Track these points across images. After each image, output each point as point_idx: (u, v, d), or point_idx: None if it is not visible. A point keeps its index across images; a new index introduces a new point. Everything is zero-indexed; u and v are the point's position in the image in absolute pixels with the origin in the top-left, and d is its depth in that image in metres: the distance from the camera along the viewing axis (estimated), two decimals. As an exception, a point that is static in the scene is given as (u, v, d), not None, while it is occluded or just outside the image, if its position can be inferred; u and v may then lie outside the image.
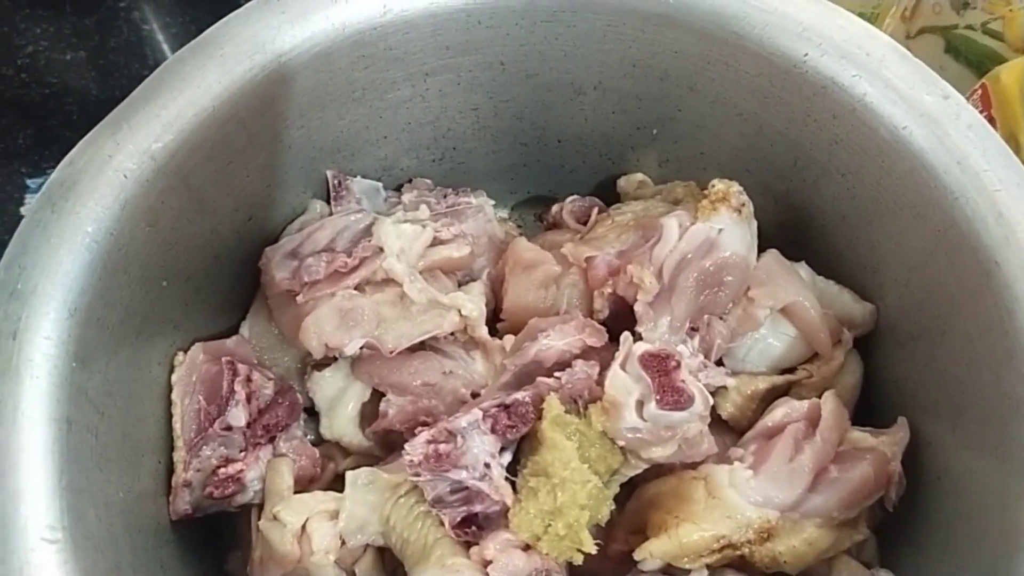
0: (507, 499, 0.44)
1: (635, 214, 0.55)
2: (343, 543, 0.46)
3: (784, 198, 0.54)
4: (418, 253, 0.52)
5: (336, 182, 0.55)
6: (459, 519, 0.44)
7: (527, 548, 0.44)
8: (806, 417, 0.47)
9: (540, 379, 0.47)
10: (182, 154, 0.44)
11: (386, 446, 0.52)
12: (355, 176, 0.56)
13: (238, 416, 0.47)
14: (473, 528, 0.44)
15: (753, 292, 0.50)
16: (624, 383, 0.44)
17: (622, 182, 0.61)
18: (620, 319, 0.50)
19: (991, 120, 0.56)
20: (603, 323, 0.51)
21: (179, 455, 0.46)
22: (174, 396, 0.47)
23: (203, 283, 0.49)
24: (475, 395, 0.50)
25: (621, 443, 0.45)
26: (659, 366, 0.44)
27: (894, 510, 0.47)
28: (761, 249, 0.52)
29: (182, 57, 0.45)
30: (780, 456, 0.45)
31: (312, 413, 0.52)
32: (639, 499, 0.48)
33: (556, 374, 0.47)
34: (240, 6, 0.46)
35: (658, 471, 0.47)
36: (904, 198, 0.46)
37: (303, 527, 0.45)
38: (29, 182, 0.71)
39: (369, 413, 0.51)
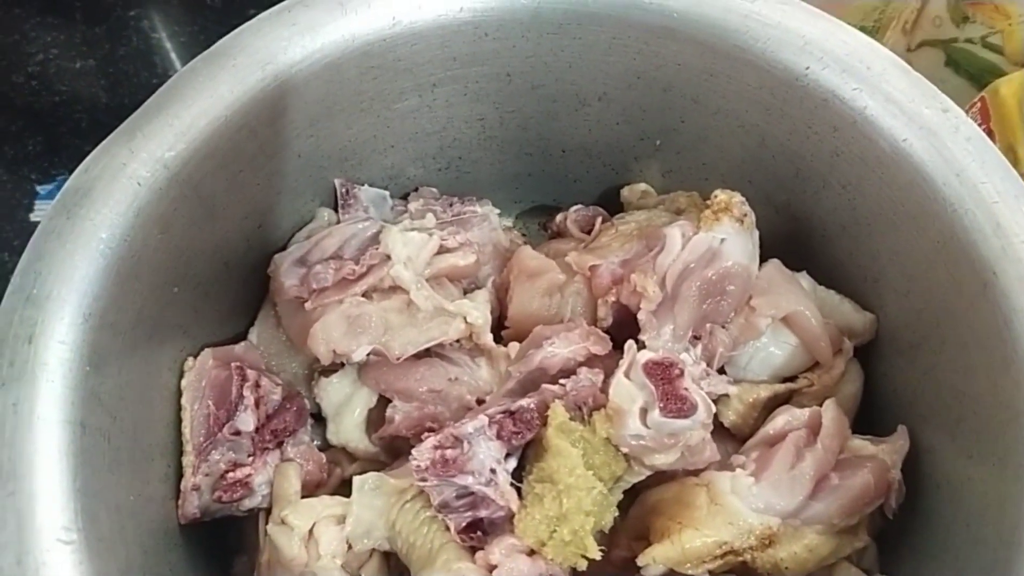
0: (512, 504, 0.45)
1: (638, 223, 0.56)
2: (350, 547, 0.46)
3: (786, 209, 0.55)
4: (425, 261, 0.52)
5: (344, 190, 0.56)
6: (465, 524, 0.45)
7: (532, 553, 0.44)
8: (807, 425, 0.48)
9: (545, 386, 0.48)
10: (194, 163, 0.44)
11: (392, 452, 0.52)
12: (362, 185, 0.57)
13: (247, 421, 0.47)
14: (478, 533, 0.45)
15: (755, 301, 0.51)
16: (628, 391, 0.45)
17: (625, 192, 0.61)
18: (624, 327, 0.51)
19: (990, 133, 0.57)
20: (607, 331, 0.51)
21: (188, 459, 0.47)
22: (184, 401, 0.47)
23: (213, 289, 0.50)
24: (480, 402, 0.51)
25: (625, 450, 0.46)
26: (663, 374, 0.45)
27: (894, 517, 0.48)
28: (763, 259, 0.52)
29: (195, 67, 0.46)
30: (781, 463, 0.46)
31: (319, 419, 0.53)
32: (642, 505, 0.48)
33: (561, 381, 0.48)
34: (248, 15, 0.47)
35: (661, 478, 0.48)
36: (904, 209, 0.47)
37: (310, 531, 0.46)
38: (39, 188, 0.71)
39: (375, 419, 0.52)
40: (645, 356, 0.46)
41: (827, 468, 0.46)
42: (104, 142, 0.43)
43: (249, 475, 0.48)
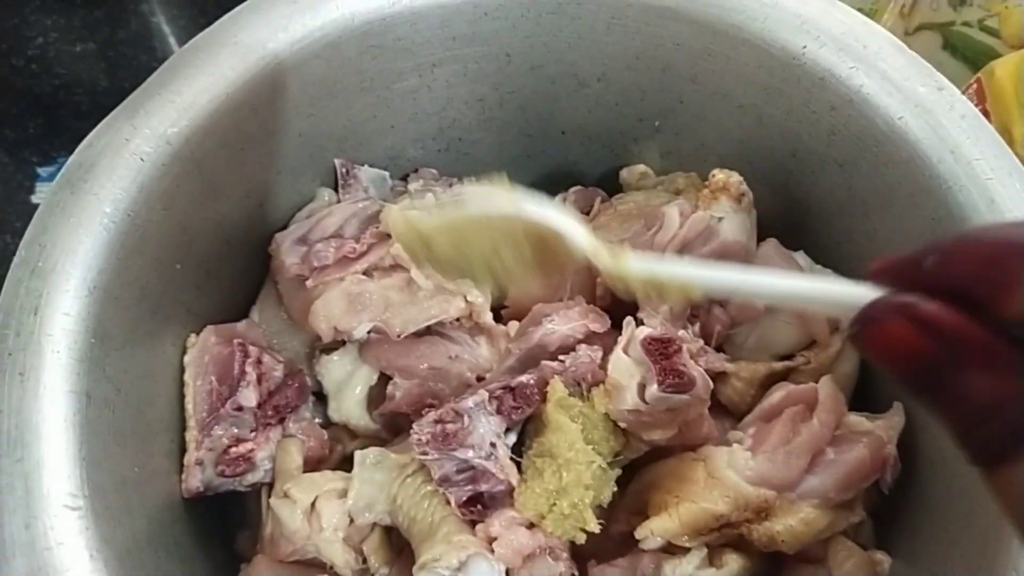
0: (512, 478, 0.45)
1: (637, 203, 0.56)
2: (351, 521, 0.47)
3: (783, 188, 0.55)
4: (425, 240, 0.52)
5: (344, 170, 0.56)
6: (465, 498, 0.45)
7: (531, 526, 0.45)
8: (804, 401, 0.48)
9: (544, 363, 0.48)
10: (196, 139, 0.45)
11: (392, 429, 0.53)
12: (362, 165, 0.57)
13: (249, 397, 0.48)
14: (479, 507, 0.45)
15: (752, 280, 0.51)
16: (627, 366, 0.46)
17: (624, 173, 0.62)
18: (622, 306, 0.51)
19: (986, 114, 0.58)
20: (606, 309, 0.52)
21: (191, 434, 0.47)
22: (186, 377, 0.48)
23: (214, 267, 0.50)
24: (480, 379, 0.51)
25: (623, 425, 0.46)
26: (661, 350, 0.45)
27: (890, 493, 0.48)
28: (760, 238, 0.53)
29: (196, 46, 0.46)
30: (778, 438, 0.46)
31: (320, 397, 0.53)
32: (640, 481, 0.49)
33: (560, 358, 0.48)
34: (245, -2, 0.48)
35: (659, 453, 0.49)
36: (900, 187, 0.47)
37: (312, 505, 0.46)
38: (40, 170, 0.72)
39: (376, 396, 0.52)
40: (644, 332, 0.46)
41: (823, 443, 0.46)
42: (107, 118, 0.43)
43: (252, 450, 0.48)
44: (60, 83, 0.77)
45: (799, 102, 0.50)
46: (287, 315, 0.54)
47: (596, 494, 0.45)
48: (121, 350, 0.42)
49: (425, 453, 0.44)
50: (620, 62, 0.54)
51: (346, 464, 0.49)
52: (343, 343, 0.52)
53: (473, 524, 0.45)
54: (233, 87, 0.46)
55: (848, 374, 0.53)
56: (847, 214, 0.52)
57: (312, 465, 0.50)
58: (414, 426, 0.45)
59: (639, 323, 0.49)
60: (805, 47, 0.48)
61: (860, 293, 0.27)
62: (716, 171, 0.52)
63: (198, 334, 0.49)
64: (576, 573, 0.45)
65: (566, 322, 0.50)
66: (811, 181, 0.53)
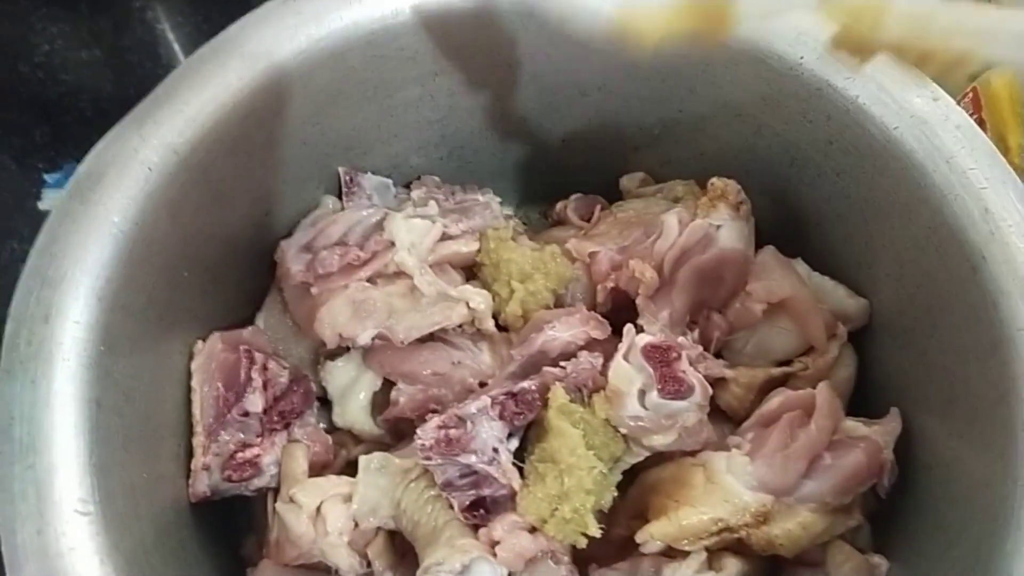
0: (514, 483, 0.46)
1: (636, 211, 0.57)
2: (356, 525, 0.47)
3: (781, 197, 0.56)
4: (428, 247, 0.53)
5: (348, 178, 0.57)
6: (468, 503, 0.46)
7: (533, 531, 0.45)
8: (801, 406, 0.49)
9: (546, 369, 0.49)
10: (203, 148, 0.45)
11: (396, 434, 0.53)
12: (366, 173, 0.58)
13: (255, 402, 0.48)
14: (481, 511, 0.46)
15: (751, 286, 0.52)
16: (627, 373, 0.46)
17: (624, 181, 0.62)
18: (622, 313, 0.52)
19: (981, 123, 0.58)
20: (606, 316, 0.52)
21: (198, 440, 0.48)
22: (193, 383, 0.48)
23: (221, 274, 0.51)
24: (483, 385, 0.52)
25: (623, 431, 0.47)
26: (661, 357, 0.46)
27: (887, 498, 0.49)
28: (758, 246, 0.54)
29: (202, 56, 0.47)
30: (776, 443, 0.47)
31: (325, 403, 0.54)
32: (640, 485, 0.50)
33: (561, 364, 0.49)
34: (251, 5, 0.48)
35: (659, 459, 0.49)
36: (896, 196, 0.48)
37: (318, 509, 0.47)
38: (46, 177, 0.72)
39: (380, 402, 0.53)
40: (644, 339, 0.47)
41: (820, 448, 0.47)
42: (115, 128, 0.44)
43: (258, 455, 0.49)
44: (66, 90, 0.77)
45: (796, 112, 0.51)
46: (292, 322, 0.54)
47: (597, 499, 0.46)
48: (129, 357, 0.42)
49: (429, 458, 0.45)
50: (620, 72, 0.55)
51: (350, 469, 0.49)
52: (347, 349, 0.53)
53: (476, 528, 0.46)
54: (239, 97, 0.46)
55: (845, 380, 0.53)
56: (844, 222, 0.53)
57: (317, 470, 0.51)
58: (418, 431, 0.45)
59: (639, 330, 0.49)
60: (802, 58, 0.49)
61: None
62: (715, 179, 0.53)
63: (205, 340, 0.50)
64: (577, 576, 0.46)
65: (567, 329, 0.50)
66: (808, 190, 0.54)
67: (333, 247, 0.53)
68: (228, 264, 0.51)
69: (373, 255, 0.52)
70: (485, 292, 0.53)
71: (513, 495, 0.46)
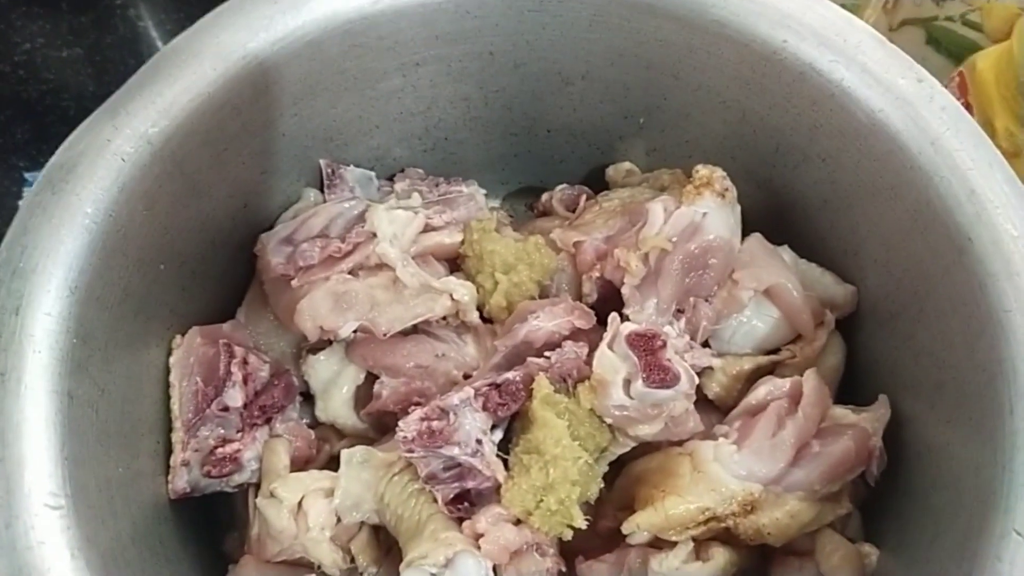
0: (499, 475, 0.45)
1: (622, 200, 0.56)
2: (338, 520, 0.46)
3: (767, 184, 0.55)
4: (410, 239, 0.53)
5: (329, 171, 0.56)
6: (452, 496, 0.45)
7: (518, 523, 0.45)
8: (789, 394, 0.48)
9: (530, 359, 0.48)
10: (177, 139, 0.45)
11: (380, 428, 0.53)
12: (348, 165, 0.57)
13: (235, 397, 0.48)
14: (465, 504, 0.45)
15: (737, 274, 0.51)
16: (611, 362, 0.46)
17: (610, 171, 0.62)
18: (608, 302, 0.52)
19: (968, 107, 0.58)
20: (592, 307, 0.52)
21: (177, 435, 0.47)
22: (172, 378, 0.48)
23: (199, 268, 0.50)
24: (467, 377, 0.51)
25: (609, 421, 0.46)
26: (645, 345, 0.46)
27: (876, 485, 0.48)
28: (745, 233, 0.53)
29: (177, 46, 0.46)
30: (763, 431, 0.46)
31: (308, 397, 0.53)
32: (627, 476, 0.49)
33: (546, 354, 0.48)
34: (234, 1, 0.48)
35: (645, 449, 0.49)
36: (882, 180, 0.47)
37: (299, 504, 0.46)
38: (27, 175, 0.72)
39: (363, 396, 0.52)
40: (628, 328, 0.46)
41: (808, 436, 0.47)
42: (88, 119, 0.43)
43: (238, 450, 0.48)
44: (47, 88, 0.77)
45: (780, 97, 0.50)
46: (273, 315, 0.54)
47: (583, 490, 0.45)
48: (104, 351, 0.42)
49: (411, 451, 0.44)
50: (603, 59, 0.54)
51: (333, 464, 0.49)
52: (329, 343, 0.52)
53: (460, 521, 0.45)
54: (214, 87, 0.46)
55: (833, 367, 0.53)
56: (830, 208, 0.52)
57: (299, 465, 0.50)
58: (400, 424, 0.45)
59: (624, 319, 0.49)
60: (785, 41, 0.48)
61: None
62: (699, 167, 0.52)
63: (183, 335, 0.49)
64: (563, 569, 0.45)
65: (551, 319, 0.50)
66: (794, 176, 0.53)
67: (314, 239, 0.52)
68: (207, 258, 0.51)
69: (354, 247, 0.51)
70: (469, 284, 0.52)
71: (497, 487, 0.45)
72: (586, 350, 0.48)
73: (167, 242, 0.47)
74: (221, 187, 0.50)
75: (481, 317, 0.53)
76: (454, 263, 0.56)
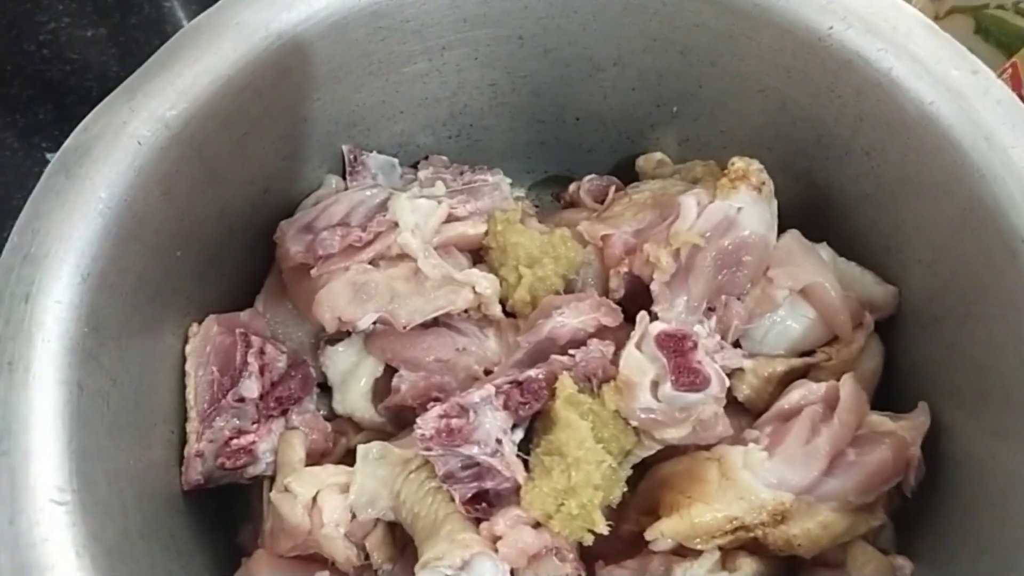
0: (518, 476, 0.44)
1: (652, 192, 0.54)
2: (353, 516, 0.45)
3: (806, 177, 0.53)
4: (433, 229, 0.51)
5: (352, 157, 0.55)
6: (470, 495, 0.44)
7: (537, 526, 0.44)
8: (824, 400, 0.47)
9: (554, 357, 0.47)
10: (196, 122, 0.44)
11: (398, 422, 0.51)
12: (371, 152, 0.56)
13: (251, 388, 0.47)
14: (484, 505, 0.44)
15: (772, 272, 0.50)
16: (639, 363, 0.44)
17: (641, 161, 0.60)
18: (636, 299, 0.50)
19: (1022, 100, 0.55)
20: (619, 303, 0.50)
21: (192, 426, 0.46)
22: (187, 367, 0.47)
23: (217, 255, 0.49)
24: (488, 372, 0.50)
25: (634, 423, 0.45)
26: (675, 346, 0.44)
27: (913, 496, 0.46)
28: (781, 229, 0.51)
29: (197, 25, 0.45)
30: (796, 438, 0.45)
31: (325, 389, 0.52)
32: (652, 480, 0.48)
33: (570, 352, 0.47)
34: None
35: (671, 452, 0.47)
36: (930, 176, 0.45)
37: (314, 499, 0.45)
38: (49, 156, 0.71)
39: (382, 389, 0.51)
40: (658, 328, 0.45)
41: (843, 444, 0.45)
42: (105, 100, 0.42)
43: (253, 442, 0.47)
44: (71, 68, 0.76)
45: (824, 86, 0.48)
46: (292, 305, 0.52)
47: (606, 494, 0.44)
48: (117, 339, 0.41)
49: (429, 449, 0.43)
50: (637, 45, 0.52)
51: (350, 457, 0.47)
52: (348, 334, 0.51)
53: (478, 522, 0.44)
54: (235, 69, 0.45)
55: (871, 372, 0.51)
56: (873, 204, 0.50)
57: (315, 458, 0.49)
58: (418, 421, 0.44)
59: (653, 317, 0.47)
60: (831, 28, 0.46)
61: None
62: (735, 159, 0.50)
63: (200, 323, 0.48)
64: (583, 574, 0.44)
65: (577, 315, 0.48)
66: (835, 169, 0.51)
67: (334, 228, 0.51)
68: (225, 245, 0.50)
69: (375, 236, 0.50)
70: (492, 276, 0.51)
71: (517, 489, 0.44)
72: (612, 349, 0.47)
73: (184, 228, 0.46)
74: (241, 172, 0.48)
75: (504, 311, 0.52)
76: (477, 255, 0.54)
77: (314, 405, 0.51)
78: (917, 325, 0.50)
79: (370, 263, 0.50)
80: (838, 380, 0.48)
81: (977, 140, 0.42)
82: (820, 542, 0.44)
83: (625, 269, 0.51)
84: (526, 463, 0.45)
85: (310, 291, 0.49)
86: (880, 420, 0.46)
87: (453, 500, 0.44)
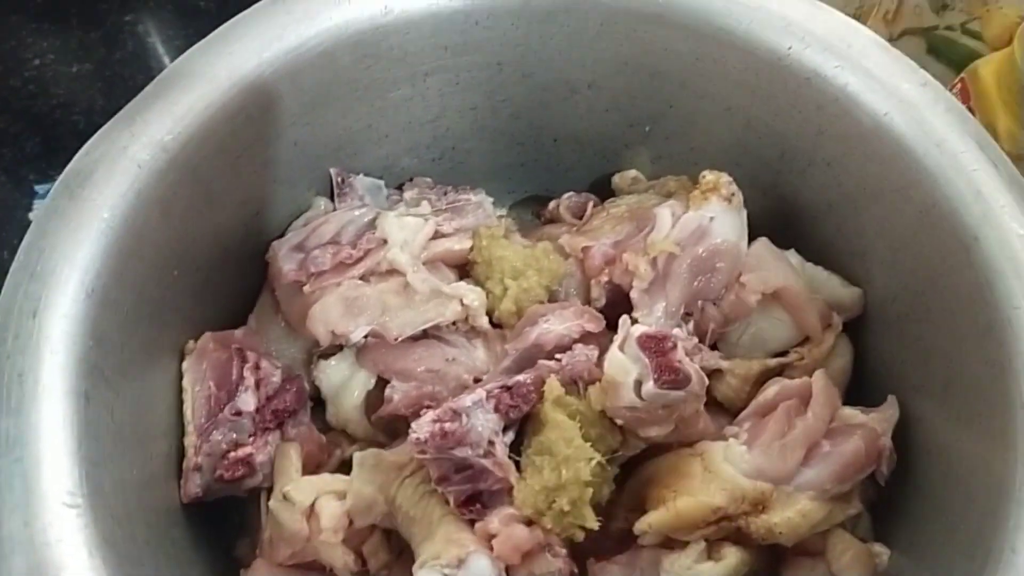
0: (511, 476, 0.45)
1: (629, 206, 0.57)
2: (351, 523, 0.46)
3: (772, 189, 0.56)
4: (421, 245, 0.53)
5: (340, 179, 0.57)
6: (464, 497, 0.45)
7: (530, 523, 0.45)
8: (798, 395, 0.49)
9: (541, 362, 0.48)
10: (193, 146, 0.45)
11: (390, 433, 0.53)
12: (358, 174, 0.58)
13: (247, 401, 0.48)
14: (477, 506, 0.45)
15: (745, 278, 0.52)
16: (622, 363, 0.46)
17: (616, 179, 0.62)
18: (617, 307, 0.52)
19: (971, 112, 0.58)
20: (600, 311, 0.52)
21: (190, 439, 0.47)
22: (185, 383, 0.48)
23: (212, 275, 0.51)
24: (477, 381, 0.51)
25: (620, 422, 0.46)
26: (656, 347, 0.46)
27: (887, 485, 0.48)
28: (751, 238, 0.53)
29: (192, 55, 0.47)
30: (773, 431, 0.46)
31: (319, 403, 0.53)
32: (638, 477, 0.49)
33: (556, 356, 0.48)
34: (243, 14, 0.49)
35: (656, 450, 0.49)
36: (888, 182, 0.48)
37: (312, 507, 0.46)
38: (37, 188, 0.72)
39: (374, 401, 0.52)
40: (639, 329, 0.46)
41: (818, 435, 0.47)
42: (105, 126, 0.44)
43: (250, 454, 0.48)
44: (57, 103, 0.78)
45: (786, 103, 0.51)
46: (285, 322, 0.54)
47: (595, 491, 0.45)
48: (120, 354, 0.42)
49: (423, 452, 0.44)
50: (610, 68, 0.55)
51: (344, 468, 0.49)
52: (340, 348, 0.52)
53: (472, 524, 0.45)
54: (228, 96, 0.47)
55: (842, 369, 0.53)
56: (836, 212, 0.53)
57: (311, 470, 0.50)
58: (412, 425, 0.45)
59: (634, 322, 0.49)
60: (790, 48, 0.49)
61: None
62: (706, 172, 0.53)
63: (196, 340, 0.50)
64: (575, 570, 0.45)
65: (562, 322, 0.50)
66: (800, 181, 0.54)
67: (325, 246, 0.52)
68: (219, 265, 0.51)
69: (366, 253, 0.52)
70: (479, 289, 0.53)
71: (509, 488, 0.45)
72: (596, 353, 0.48)
73: (181, 248, 0.47)
74: (234, 195, 0.50)
75: (491, 323, 0.53)
76: (463, 270, 0.56)
77: (308, 418, 0.52)
78: (883, 323, 0.52)
79: (361, 279, 0.52)
80: (811, 377, 0.50)
81: (929, 147, 0.45)
82: (800, 530, 0.46)
83: (605, 279, 0.53)
84: (517, 465, 0.46)
85: (303, 307, 0.51)
86: (852, 413, 0.49)
87: (448, 503, 0.45)
